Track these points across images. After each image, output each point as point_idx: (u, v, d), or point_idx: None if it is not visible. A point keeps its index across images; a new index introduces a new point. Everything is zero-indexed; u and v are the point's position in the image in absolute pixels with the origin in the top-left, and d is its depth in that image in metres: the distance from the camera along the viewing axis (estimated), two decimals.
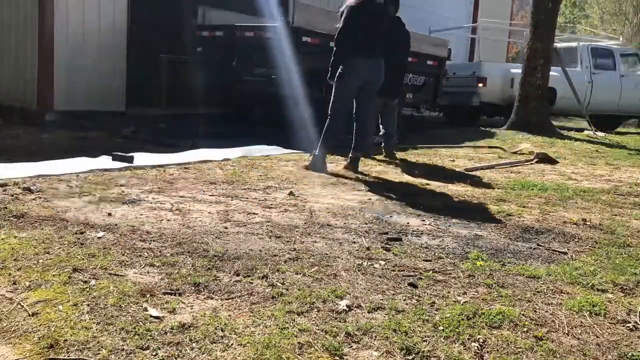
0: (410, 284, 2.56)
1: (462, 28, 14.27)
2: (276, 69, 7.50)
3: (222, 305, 2.24)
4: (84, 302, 2.18)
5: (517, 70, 11.53)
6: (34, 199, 3.77)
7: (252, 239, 3.13)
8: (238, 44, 8.31)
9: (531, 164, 6.77)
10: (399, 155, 6.82)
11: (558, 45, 12.72)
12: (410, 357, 1.92)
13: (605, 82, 12.27)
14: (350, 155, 5.61)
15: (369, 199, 4.32)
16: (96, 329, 1.97)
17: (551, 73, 10.66)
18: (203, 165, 5.48)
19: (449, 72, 11.12)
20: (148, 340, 1.92)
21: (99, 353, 1.82)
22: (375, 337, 2.04)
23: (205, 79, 8.56)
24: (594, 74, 12.15)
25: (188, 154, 6.00)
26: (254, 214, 3.70)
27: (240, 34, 8.31)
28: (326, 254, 2.94)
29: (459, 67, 12.27)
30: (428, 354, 1.94)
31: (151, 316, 2.09)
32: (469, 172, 5.85)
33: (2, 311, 2.09)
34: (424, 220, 3.75)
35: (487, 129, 10.61)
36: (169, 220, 3.45)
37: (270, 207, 3.90)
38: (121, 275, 2.48)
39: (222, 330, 2.02)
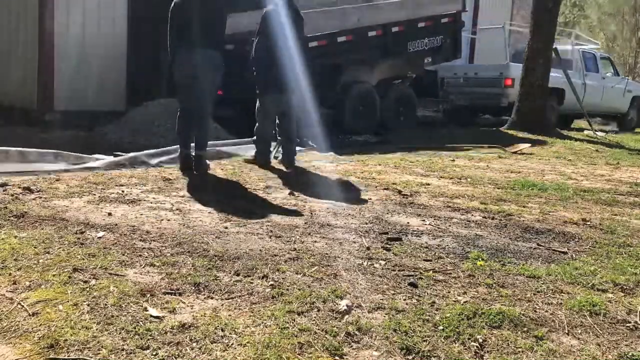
0: (411, 284, 2.56)
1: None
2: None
3: (222, 305, 2.24)
4: (84, 302, 2.18)
5: None
6: (34, 199, 3.77)
7: (252, 239, 3.13)
8: None
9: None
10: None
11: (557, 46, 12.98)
12: (410, 357, 1.92)
13: (594, 84, 12.88)
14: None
15: (369, 199, 4.32)
16: (96, 329, 1.97)
17: (557, 74, 10.99)
18: None
19: (469, 73, 11.66)
20: (148, 340, 1.92)
21: (99, 353, 1.82)
22: (375, 337, 2.04)
23: None
24: (585, 76, 12.67)
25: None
26: (254, 213, 3.70)
27: None
28: (326, 253, 2.94)
29: (481, 68, 12.63)
30: (428, 354, 1.94)
31: (151, 316, 2.09)
32: (467, 170, 5.85)
33: (2, 311, 2.09)
34: (424, 220, 3.75)
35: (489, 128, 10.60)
36: (169, 220, 3.45)
37: (270, 207, 3.90)
38: (121, 275, 2.48)
39: (222, 330, 2.01)
